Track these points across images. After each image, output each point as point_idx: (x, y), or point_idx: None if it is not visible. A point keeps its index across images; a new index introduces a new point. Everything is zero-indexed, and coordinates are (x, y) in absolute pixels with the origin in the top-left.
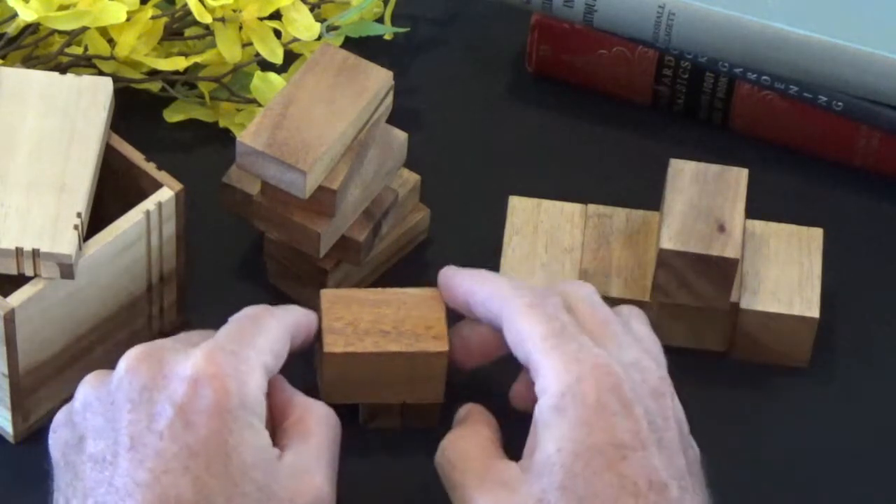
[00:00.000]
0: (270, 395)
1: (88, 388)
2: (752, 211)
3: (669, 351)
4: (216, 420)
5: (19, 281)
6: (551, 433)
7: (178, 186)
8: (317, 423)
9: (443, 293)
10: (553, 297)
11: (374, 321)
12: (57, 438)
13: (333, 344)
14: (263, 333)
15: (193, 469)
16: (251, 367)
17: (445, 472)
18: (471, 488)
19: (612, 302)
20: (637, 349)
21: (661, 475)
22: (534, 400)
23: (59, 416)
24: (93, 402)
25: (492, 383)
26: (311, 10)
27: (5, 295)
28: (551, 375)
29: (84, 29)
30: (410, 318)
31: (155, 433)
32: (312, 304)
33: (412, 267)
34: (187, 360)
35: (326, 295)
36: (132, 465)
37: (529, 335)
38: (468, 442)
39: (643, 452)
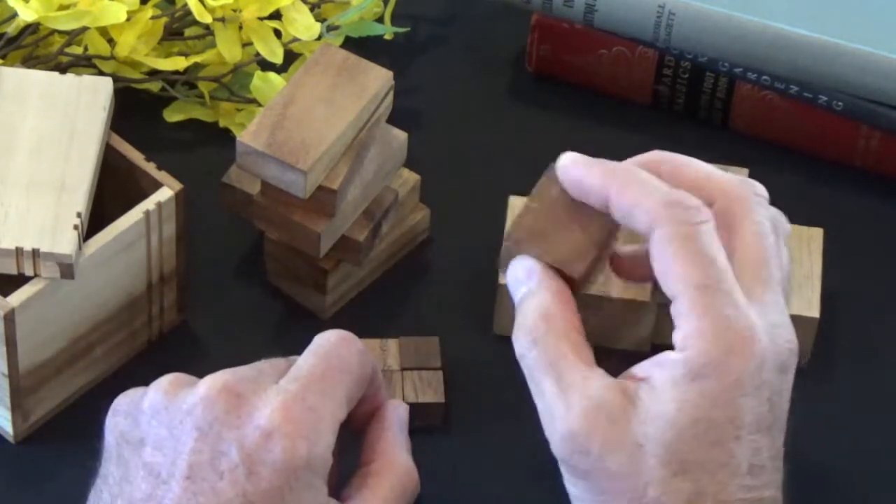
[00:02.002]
0: (366, 429)
1: (161, 394)
2: None
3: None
4: (279, 477)
5: (19, 281)
6: (677, 390)
7: (178, 186)
8: (391, 483)
9: (569, 188)
10: (707, 219)
11: None
12: (115, 424)
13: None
14: (344, 377)
15: None
16: (326, 427)
17: (534, 373)
18: (567, 403)
19: (612, 301)
20: (780, 306)
21: (762, 457)
22: (639, 277)
23: (122, 402)
24: (161, 412)
25: (492, 383)
26: (311, 10)
27: (5, 295)
28: (696, 338)
29: (84, 29)
30: None
31: (216, 472)
32: (312, 304)
33: (412, 267)
34: (265, 406)
35: None
36: (185, 495)
37: (682, 279)
38: (562, 343)
39: (757, 435)
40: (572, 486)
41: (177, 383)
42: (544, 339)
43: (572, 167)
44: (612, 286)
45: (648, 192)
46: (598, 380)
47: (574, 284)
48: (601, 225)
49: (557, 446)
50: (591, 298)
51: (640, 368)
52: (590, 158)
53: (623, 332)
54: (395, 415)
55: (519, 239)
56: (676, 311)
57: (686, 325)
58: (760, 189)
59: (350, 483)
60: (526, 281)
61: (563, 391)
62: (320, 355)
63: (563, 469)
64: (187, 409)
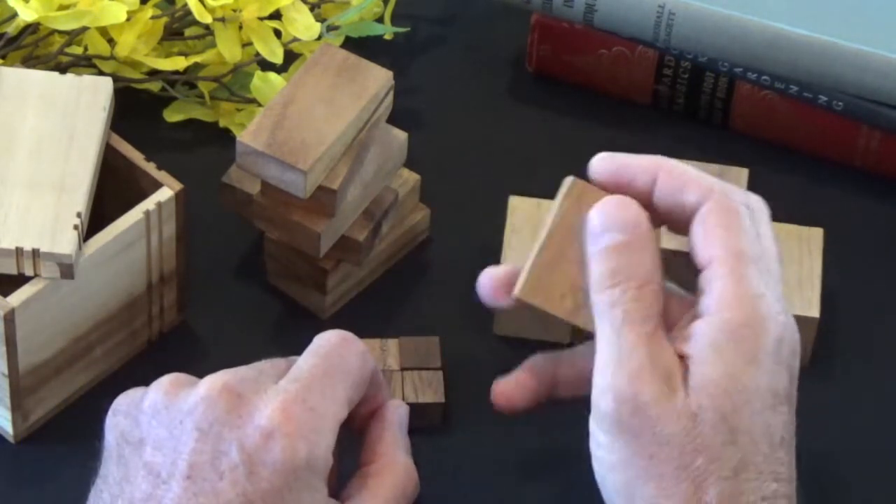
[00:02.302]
0: (367, 429)
1: (161, 394)
2: None
3: None
4: (279, 477)
5: (19, 281)
6: (723, 356)
7: (178, 186)
8: (391, 484)
9: (611, 172)
10: (753, 209)
11: None
12: (115, 424)
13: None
14: (345, 377)
15: None
16: (326, 427)
17: (616, 322)
18: (637, 364)
19: None
20: (782, 301)
21: (790, 432)
22: (577, 388)
23: (122, 402)
24: (161, 412)
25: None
26: (311, 10)
27: (5, 295)
28: (733, 300)
29: (84, 29)
30: None
31: (217, 471)
32: (312, 304)
33: (412, 267)
34: (266, 406)
35: None
36: (185, 495)
37: (724, 244)
38: (646, 293)
39: (787, 407)
40: (608, 448)
41: (177, 383)
42: (647, 296)
43: (610, 158)
44: None
45: (700, 175)
46: (668, 347)
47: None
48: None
49: (612, 403)
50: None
51: (685, 332)
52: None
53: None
54: (396, 415)
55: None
56: (710, 275)
57: (721, 288)
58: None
59: (350, 483)
60: (620, 230)
61: (641, 351)
62: (321, 355)
63: (600, 429)
64: (188, 410)
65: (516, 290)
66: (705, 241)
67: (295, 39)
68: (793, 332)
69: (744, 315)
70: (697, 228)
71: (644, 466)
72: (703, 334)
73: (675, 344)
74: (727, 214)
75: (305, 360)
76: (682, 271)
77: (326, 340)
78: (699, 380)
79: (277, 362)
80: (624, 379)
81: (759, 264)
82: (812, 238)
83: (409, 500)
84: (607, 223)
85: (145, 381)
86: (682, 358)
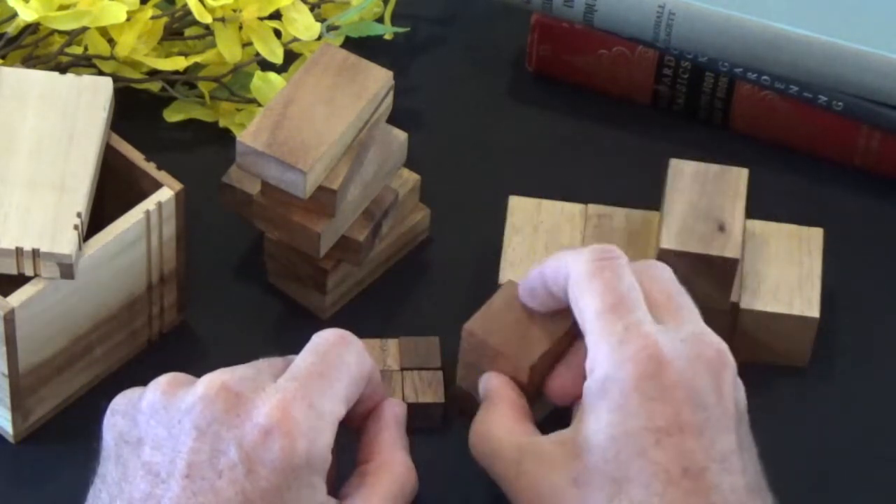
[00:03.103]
0: (364, 428)
1: (159, 393)
2: (752, 211)
3: None
4: (278, 475)
5: (19, 281)
6: (593, 416)
7: (178, 186)
8: (390, 481)
9: (524, 298)
10: (616, 256)
11: None
12: (113, 424)
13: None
14: (342, 375)
15: None
16: (324, 425)
17: (483, 464)
18: (510, 480)
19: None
20: (700, 322)
21: (697, 459)
22: (570, 395)
23: (120, 402)
24: (160, 411)
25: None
26: (311, 10)
27: (5, 295)
28: (597, 358)
29: (84, 29)
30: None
31: (215, 470)
32: (312, 303)
33: (412, 267)
34: (264, 404)
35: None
36: (184, 494)
37: (585, 310)
38: (497, 428)
39: (679, 437)
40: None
41: (175, 383)
42: (493, 426)
43: (519, 289)
44: None
45: (566, 253)
46: (538, 438)
47: (528, 376)
48: (563, 333)
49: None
50: None
51: (573, 417)
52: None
53: None
54: (393, 413)
55: (473, 330)
56: (587, 344)
57: (591, 353)
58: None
59: (349, 482)
60: (487, 389)
61: (514, 464)
62: (319, 354)
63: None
64: (186, 409)
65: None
66: (577, 315)
67: (295, 39)
68: (690, 354)
69: (606, 369)
70: (571, 306)
71: None
72: (585, 399)
73: (576, 407)
74: (586, 278)
75: (304, 359)
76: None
77: (324, 339)
78: (576, 444)
79: (275, 361)
80: (514, 488)
81: (623, 308)
82: (812, 238)
83: (409, 498)
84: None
85: (145, 381)
86: (577, 426)
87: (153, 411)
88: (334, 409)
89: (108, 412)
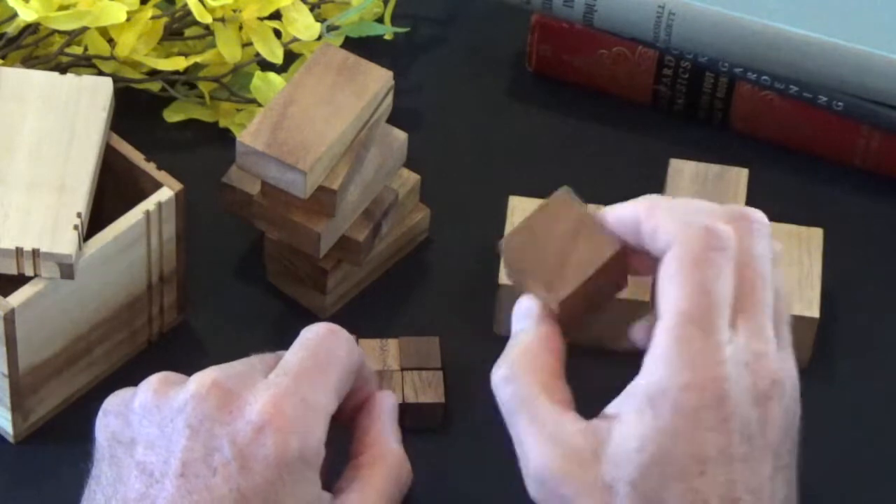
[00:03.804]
0: (355, 419)
1: (151, 392)
2: None
3: None
4: (273, 471)
5: (19, 281)
6: (639, 426)
7: (178, 186)
8: (384, 474)
9: (612, 225)
10: (725, 246)
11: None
12: (106, 425)
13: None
14: (333, 369)
15: None
16: (317, 420)
17: (509, 410)
18: (539, 448)
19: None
20: (767, 337)
21: (736, 490)
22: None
23: (113, 402)
24: (152, 410)
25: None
26: (311, 10)
27: (5, 295)
28: (661, 367)
29: (84, 29)
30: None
31: (209, 468)
32: (312, 304)
33: (412, 267)
34: (256, 400)
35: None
36: (178, 493)
37: (672, 301)
38: (526, 383)
39: (725, 468)
40: None
41: (166, 382)
42: (520, 377)
43: (611, 212)
44: None
45: (672, 214)
46: (571, 424)
47: (556, 317)
48: (600, 266)
49: (531, 487)
50: None
51: (613, 405)
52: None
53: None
54: (384, 405)
55: (510, 247)
56: (656, 330)
57: (655, 349)
58: (760, 216)
59: (343, 475)
60: (523, 320)
61: (537, 433)
62: (309, 348)
63: None
64: (178, 407)
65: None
66: (660, 296)
67: (295, 39)
68: (749, 385)
69: (667, 385)
70: (658, 280)
71: None
72: (634, 396)
73: (616, 404)
74: (684, 265)
75: (294, 353)
76: None
77: (314, 333)
78: (615, 451)
79: (266, 357)
80: (530, 466)
81: (707, 321)
82: (812, 238)
83: (403, 489)
84: (514, 318)
85: None
86: (613, 420)
87: (145, 411)
88: (326, 402)
89: (101, 413)
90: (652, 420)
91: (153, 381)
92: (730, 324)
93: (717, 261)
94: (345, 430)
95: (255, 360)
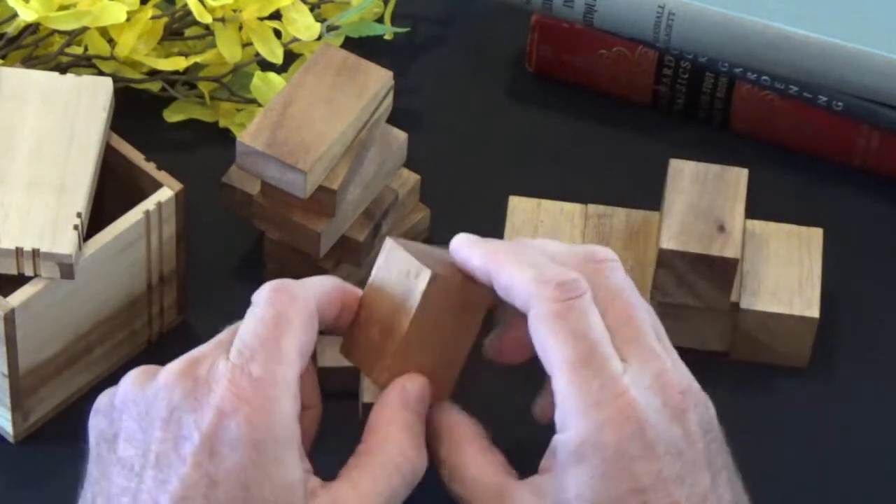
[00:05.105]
0: (373, 417)
1: (129, 386)
2: (752, 211)
3: None
4: (242, 454)
5: (19, 281)
6: (571, 478)
7: (178, 186)
8: (382, 463)
9: (461, 266)
10: (581, 292)
11: None
12: (95, 424)
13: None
14: (289, 331)
15: (211, 498)
16: (280, 393)
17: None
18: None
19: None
20: (659, 355)
21: None
22: (514, 358)
23: (102, 401)
24: (129, 405)
25: (492, 383)
26: (311, 10)
27: (5, 295)
28: (572, 417)
29: (84, 29)
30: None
31: (180, 457)
32: None
33: None
34: (217, 384)
35: None
36: (155, 484)
37: (554, 355)
38: (472, 469)
39: (664, 492)
40: None
41: (143, 375)
42: (452, 453)
43: (461, 247)
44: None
45: (523, 269)
46: (515, 486)
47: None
48: (419, 306)
49: None
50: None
51: (544, 459)
52: (477, 239)
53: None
54: (397, 390)
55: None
56: (554, 393)
57: (561, 405)
58: (608, 253)
59: (346, 464)
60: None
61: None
62: (258, 316)
63: None
64: (151, 399)
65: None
66: (542, 357)
67: (295, 39)
68: (660, 405)
69: (581, 433)
70: (533, 342)
71: None
72: (558, 450)
73: (546, 461)
74: (551, 320)
75: (244, 327)
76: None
77: (260, 297)
78: (555, 501)
79: (232, 328)
80: None
81: (593, 362)
82: (812, 238)
83: (408, 480)
84: None
85: None
86: (547, 475)
87: (124, 406)
88: (287, 372)
89: (92, 413)
90: (581, 469)
91: (132, 374)
92: (619, 357)
93: (579, 306)
94: (344, 444)
95: (224, 335)
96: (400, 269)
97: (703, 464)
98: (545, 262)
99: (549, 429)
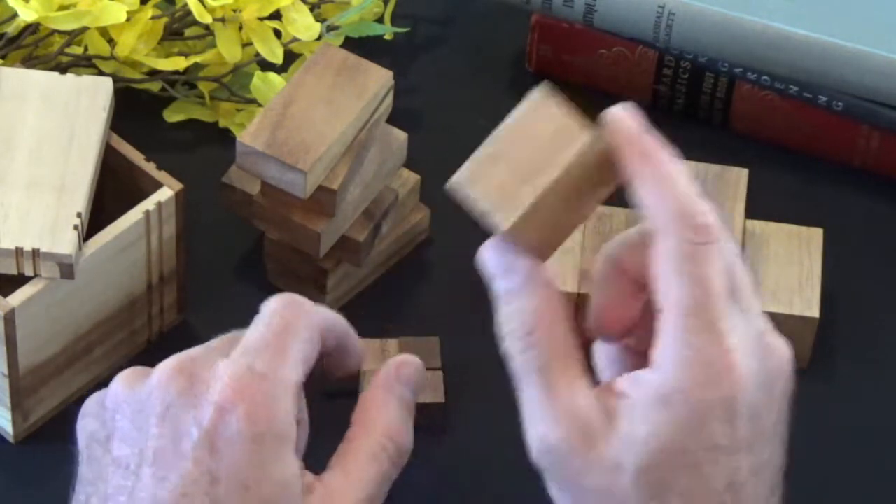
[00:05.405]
0: (360, 402)
1: (121, 386)
2: (752, 211)
3: None
4: (242, 450)
5: (19, 281)
6: (650, 415)
7: (178, 186)
8: (369, 446)
9: (610, 136)
10: (715, 239)
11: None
12: (84, 426)
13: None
14: (295, 339)
15: (212, 495)
16: (282, 392)
17: (521, 375)
18: (549, 419)
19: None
20: (763, 318)
21: (742, 475)
22: (624, 322)
23: (90, 404)
24: (122, 405)
25: (492, 383)
26: (311, 10)
27: (5, 295)
28: (670, 362)
29: (84, 29)
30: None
31: (179, 453)
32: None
33: (412, 267)
34: (217, 381)
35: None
36: (153, 481)
37: (673, 295)
38: (550, 351)
39: (735, 456)
40: (551, 489)
41: (134, 376)
42: (536, 343)
43: (626, 119)
44: None
45: (666, 195)
46: (584, 395)
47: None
48: (565, 168)
49: (536, 455)
50: None
51: (619, 382)
52: (639, 124)
53: None
54: (384, 373)
55: (470, 177)
56: (659, 325)
57: (664, 346)
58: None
59: (337, 449)
60: (506, 277)
61: (548, 401)
62: (265, 323)
63: (542, 473)
64: (144, 398)
65: (452, 179)
66: (655, 288)
67: (295, 39)
68: (760, 370)
69: (680, 379)
70: (651, 268)
71: None
72: (644, 386)
73: (623, 383)
74: (679, 260)
75: (251, 332)
76: None
77: (271, 308)
78: (625, 434)
79: (225, 337)
80: (537, 432)
81: (713, 310)
82: (812, 238)
83: (395, 459)
84: (491, 272)
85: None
86: (622, 399)
87: (116, 406)
88: (289, 375)
89: (80, 416)
90: (664, 413)
91: (122, 376)
92: (730, 313)
93: (710, 254)
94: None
95: (215, 342)
96: (549, 122)
97: (770, 434)
98: (693, 192)
99: None
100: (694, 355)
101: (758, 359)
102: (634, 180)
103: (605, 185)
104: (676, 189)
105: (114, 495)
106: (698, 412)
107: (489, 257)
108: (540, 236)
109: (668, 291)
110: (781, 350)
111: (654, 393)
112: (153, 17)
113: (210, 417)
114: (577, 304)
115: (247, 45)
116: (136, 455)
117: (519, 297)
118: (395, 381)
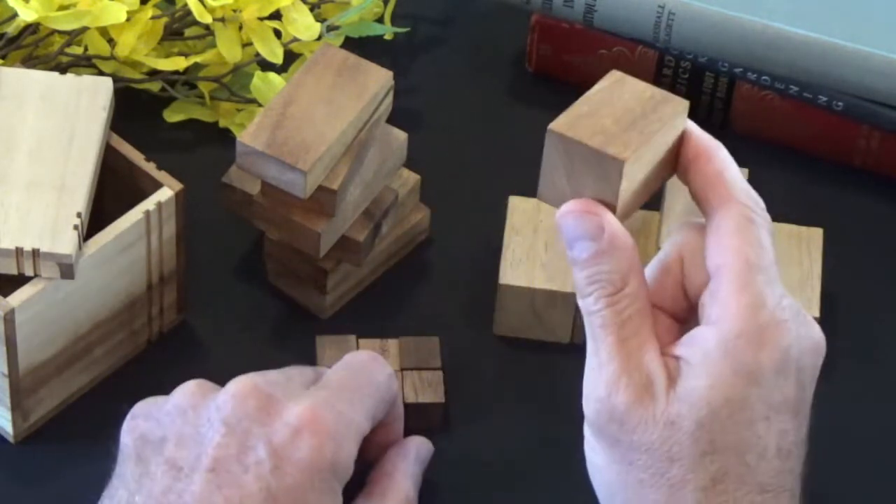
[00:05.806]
0: (384, 457)
1: (188, 396)
2: None
3: None
4: (304, 475)
5: (19, 281)
6: (712, 367)
7: (178, 186)
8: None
9: (690, 142)
10: (768, 219)
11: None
12: (134, 426)
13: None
14: (372, 392)
15: None
16: (351, 434)
17: (600, 325)
18: (615, 373)
19: None
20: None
21: (789, 441)
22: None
23: (142, 406)
24: (187, 411)
25: (492, 383)
26: (311, 10)
27: (5, 295)
28: (733, 313)
29: (84, 29)
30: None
31: (242, 465)
32: (311, 304)
33: (412, 267)
34: (296, 405)
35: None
36: (207, 487)
37: (737, 253)
38: (635, 309)
39: (786, 417)
40: (594, 451)
41: (203, 387)
42: (619, 301)
43: (693, 126)
44: None
45: (731, 171)
46: (652, 355)
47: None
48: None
49: (593, 409)
50: None
51: (676, 348)
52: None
53: None
54: (414, 447)
55: (561, 130)
56: (716, 285)
57: (724, 299)
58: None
59: (355, 500)
60: (594, 238)
61: (619, 356)
62: (351, 367)
63: (588, 432)
64: (217, 407)
65: (552, 125)
66: (716, 248)
67: (295, 39)
68: (806, 335)
69: (742, 327)
70: (711, 236)
71: (624, 472)
72: (701, 342)
73: (679, 348)
74: (744, 222)
75: (335, 372)
76: None
77: (356, 357)
78: (685, 389)
79: (305, 370)
80: (601, 387)
81: (768, 273)
82: (812, 238)
83: None
84: (575, 233)
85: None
86: (679, 360)
87: (180, 412)
88: (361, 421)
89: (129, 416)
90: (723, 362)
91: (190, 385)
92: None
93: (767, 224)
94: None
95: (294, 372)
96: (637, 91)
97: (807, 410)
98: (747, 190)
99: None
100: (755, 301)
101: (804, 327)
102: (699, 159)
103: (670, 166)
104: (735, 170)
105: (161, 494)
106: (756, 362)
107: (570, 220)
108: (631, 190)
109: (732, 250)
110: (817, 328)
111: (714, 345)
112: (153, 17)
113: (282, 437)
114: None
115: (247, 45)
116: (193, 459)
117: (608, 257)
118: (415, 459)
